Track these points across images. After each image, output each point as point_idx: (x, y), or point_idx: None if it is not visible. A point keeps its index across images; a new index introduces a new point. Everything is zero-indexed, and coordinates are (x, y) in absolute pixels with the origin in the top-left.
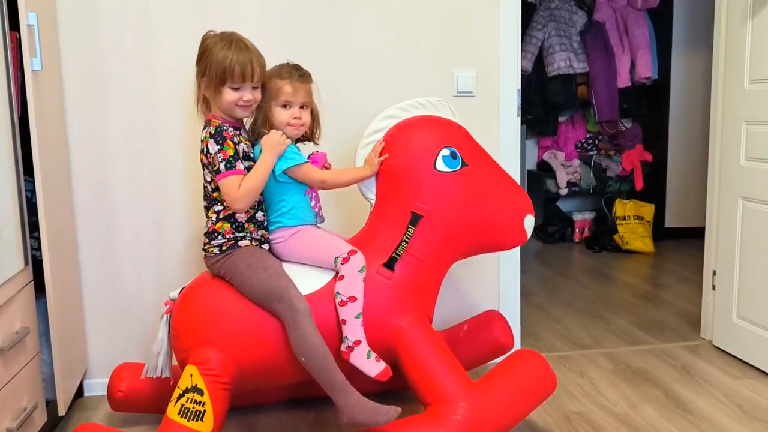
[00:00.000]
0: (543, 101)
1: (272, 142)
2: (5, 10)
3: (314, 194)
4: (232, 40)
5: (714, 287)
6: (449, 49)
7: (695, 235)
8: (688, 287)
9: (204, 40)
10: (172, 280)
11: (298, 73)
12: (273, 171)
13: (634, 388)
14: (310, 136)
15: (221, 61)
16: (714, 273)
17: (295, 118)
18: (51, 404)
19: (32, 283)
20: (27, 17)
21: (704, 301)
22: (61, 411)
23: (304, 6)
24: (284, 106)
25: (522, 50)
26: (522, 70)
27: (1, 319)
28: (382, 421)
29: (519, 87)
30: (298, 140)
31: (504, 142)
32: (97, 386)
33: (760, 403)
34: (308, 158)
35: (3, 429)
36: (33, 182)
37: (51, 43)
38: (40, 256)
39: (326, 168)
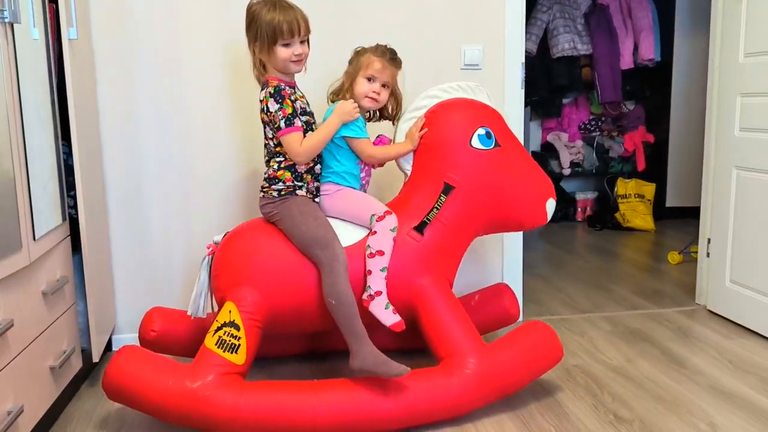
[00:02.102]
0: (547, 83)
1: (344, 110)
2: None
3: (366, 168)
4: (275, 2)
5: (708, 254)
6: (457, 24)
7: (695, 214)
8: (686, 260)
9: (249, 8)
10: (198, 242)
11: (390, 56)
12: None
13: (631, 346)
14: (391, 116)
15: (270, 22)
16: (709, 241)
17: (374, 92)
18: (85, 352)
19: (69, 237)
20: None
21: (699, 268)
22: (95, 357)
23: None
24: (369, 79)
25: (527, 32)
26: (527, 52)
27: (45, 265)
28: (392, 374)
29: (523, 60)
30: (381, 117)
31: (509, 113)
32: (124, 341)
33: (750, 359)
34: (375, 140)
35: (47, 367)
36: (67, 145)
37: (83, 13)
38: (75, 214)
39: None
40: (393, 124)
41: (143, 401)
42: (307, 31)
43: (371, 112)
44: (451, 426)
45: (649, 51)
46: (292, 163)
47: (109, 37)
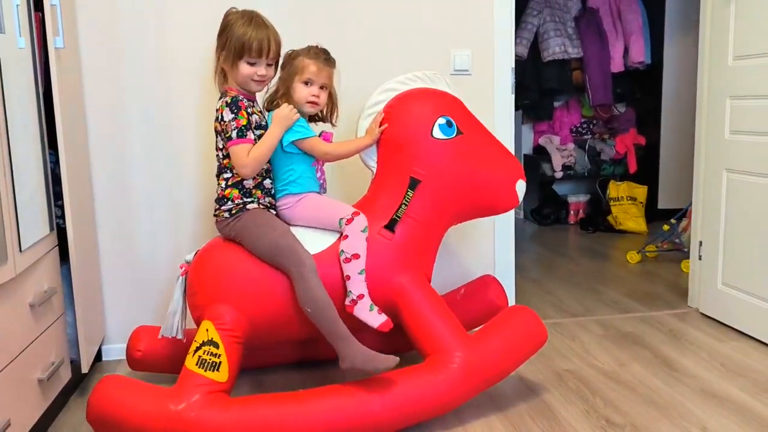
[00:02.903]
0: (538, 86)
1: (282, 115)
2: None
3: (320, 166)
4: (252, 17)
5: (700, 257)
6: (447, 29)
7: None
8: (679, 263)
9: (226, 15)
10: (185, 250)
11: (324, 56)
12: (281, 142)
13: (622, 350)
14: (325, 116)
15: (240, 37)
16: (700, 243)
17: (314, 95)
18: (74, 363)
19: (57, 247)
20: None
21: (691, 271)
22: (84, 369)
23: None
24: (306, 83)
25: (518, 36)
26: (518, 56)
27: (32, 277)
28: (381, 368)
29: (513, 65)
30: (314, 120)
31: (499, 118)
32: (114, 351)
33: (742, 361)
34: (318, 135)
35: (35, 379)
36: (55, 154)
37: (70, 22)
38: (63, 224)
39: None
40: (332, 125)
41: (129, 429)
42: (277, 54)
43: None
44: (440, 428)
45: (640, 54)
46: (239, 179)
47: (96, 46)
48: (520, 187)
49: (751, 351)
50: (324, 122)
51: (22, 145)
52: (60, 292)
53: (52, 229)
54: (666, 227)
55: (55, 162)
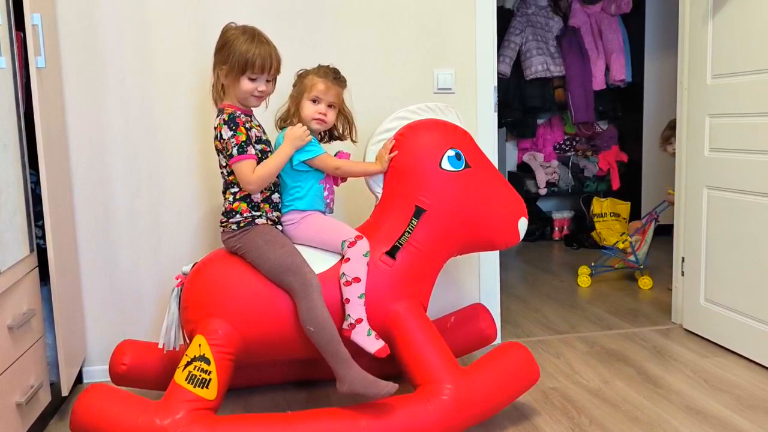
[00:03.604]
0: (521, 104)
1: (295, 135)
2: (11, 11)
3: (329, 186)
4: (254, 34)
5: (683, 273)
6: (429, 49)
7: (669, 231)
8: (662, 278)
9: (225, 32)
10: (168, 271)
11: (333, 75)
12: (291, 160)
13: (607, 367)
14: (342, 135)
15: (244, 53)
16: (683, 259)
17: (320, 113)
18: (54, 386)
19: (37, 268)
20: (31, 18)
21: (674, 287)
22: (65, 391)
23: (291, 8)
24: (314, 101)
25: (501, 55)
26: (501, 74)
27: (11, 299)
28: (381, 394)
29: (495, 84)
30: (332, 139)
31: (482, 135)
32: (95, 373)
33: (725, 377)
34: (335, 155)
35: (13, 403)
36: (36, 174)
37: (52, 42)
38: (43, 245)
39: None
40: (352, 141)
41: None
42: (277, 71)
43: (321, 133)
44: None
45: (620, 72)
46: (247, 193)
47: (78, 65)
48: (522, 224)
49: (734, 367)
50: (342, 140)
51: (2, 165)
52: (40, 314)
53: (32, 249)
54: (621, 245)
55: (36, 182)
